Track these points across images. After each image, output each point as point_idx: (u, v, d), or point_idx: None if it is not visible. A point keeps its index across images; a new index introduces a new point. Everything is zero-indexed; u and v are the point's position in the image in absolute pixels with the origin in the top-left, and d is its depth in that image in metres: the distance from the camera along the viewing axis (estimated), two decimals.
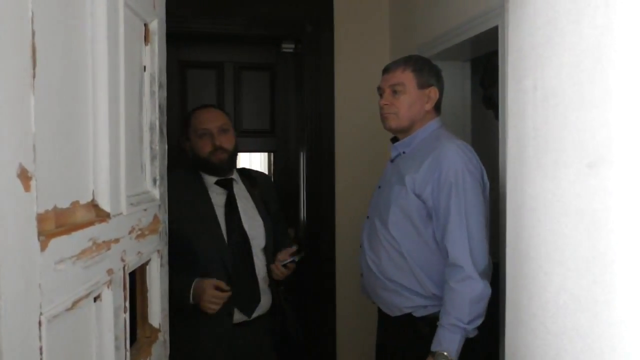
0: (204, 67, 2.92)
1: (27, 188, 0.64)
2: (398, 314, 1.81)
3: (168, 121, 3.09)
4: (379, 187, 1.94)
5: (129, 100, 1.04)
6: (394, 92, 1.82)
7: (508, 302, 1.11)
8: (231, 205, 2.03)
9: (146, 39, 1.20)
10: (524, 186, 1.02)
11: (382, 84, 1.87)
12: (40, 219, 0.69)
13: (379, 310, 1.94)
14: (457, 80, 2.55)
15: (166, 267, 1.35)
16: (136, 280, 1.22)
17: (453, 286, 1.64)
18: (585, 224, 0.81)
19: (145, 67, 1.20)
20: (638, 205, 0.70)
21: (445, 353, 1.62)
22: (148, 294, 1.25)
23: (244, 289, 1.97)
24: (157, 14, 1.24)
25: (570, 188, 0.85)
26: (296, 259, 2.04)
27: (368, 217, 1.95)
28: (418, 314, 1.77)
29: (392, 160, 1.93)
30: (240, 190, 2.10)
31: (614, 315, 0.74)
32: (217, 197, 2.02)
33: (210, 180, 2.04)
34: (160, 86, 1.26)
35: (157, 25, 1.24)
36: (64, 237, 0.74)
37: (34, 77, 0.66)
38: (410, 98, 1.81)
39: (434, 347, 1.65)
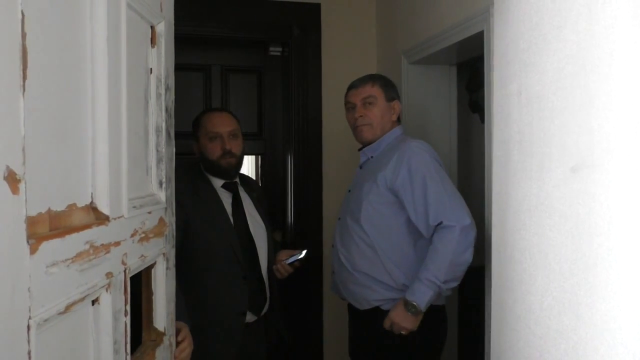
0: (191, 70, 2.91)
1: (15, 191, 0.63)
2: (367, 307, 1.93)
3: None
4: (349, 191, 2.09)
5: (133, 102, 1.03)
6: (367, 104, 1.98)
7: (493, 304, 1.12)
8: (237, 207, 2.08)
9: (152, 41, 1.19)
10: (509, 189, 1.03)
11: (352, 99, 2.02)
12: (32, 222, 0.68)
13: (349, 306, 2.06)
14: (443, 84, 2.57)
15: (173, 270, 1.34)
16: (142, 284, 1.21)
17: (439, 246, 1.77)
18: (568, 227, 0.82)
19: (151, 69, 1.18)
20: (621, 209, 0.71)
21: (415, 304, 1.76)
22: (153, 297, 1.24)
23: (254, 287, 2.02)
24: (164, 16, 1.23)
25: (554, 192, 0.86)
26: (302, 257, 2.07)
27: (340, 218, 2.10)
28: (385, 307, 1.88)
29: (360, 167, 2.09)
30: (242, 193, 2.16)
31: (597, 317, 0.75)
32: (224, 200, 2.07)
33: (216, 182, 2.08)
34: (167, 89, 1.25)
35: (164, 28, 1.22)
36: (56, 240, 0.73)
37: (24, 78, 0.65)
38: (380, 110, 1.99)
39: (407, 296, 1.79)
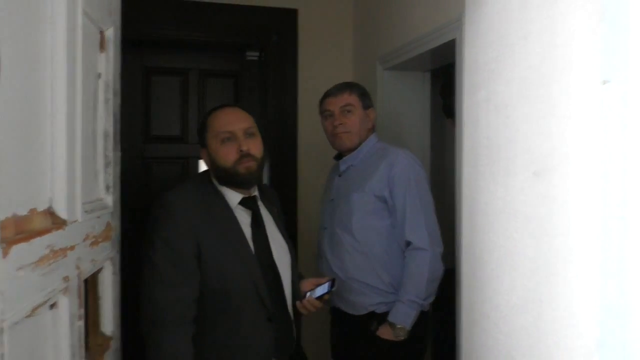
0: (168, 74, 2.90)
1: None
2: (363, 312, 1.95)
3: (131, 127, 3.02)
4: (332, 200, 2.09)
5: (85, 107, 1.03)
6: (346, 112, 2.01)
7: (463, 304, 1.15)
8: (258, 230, 1.66)
9: (101, 46, 1.19)
10: (478, 193, 1.06)
11: (329, 107, 2.05)
12: (2, 226, 0.68)
13: (336, 312, 2.08)
14: (418, 90, 2.62)
15: (118, 276, 1.33)
16: (88, 289, 1.20)
17: (414, 268, 1.85)
18: (531, 228, 0.86)
19: (100, 74, 1.19)
20: (579, 210, 0.75)
21: (402, 326, 1.83)
22: (100, 302, 1.24)
23: (281, 329, 1.64)
24: (113, 21, 1.24)
25: (519, 195, 0.90)
26: (333, 289, 1.69)
27: (326, 228, 2.08)
28: (380, 310, 1.93)
29: (339, 175, 2.10)
30: (263, 210, 1.73)
31: (557, 313, 0.79)
32: (242, 221, 1.64)
33: (233, 198, 1.64)
34: (114, 94, 1.25)
35: (112, 33, 1.23)
36: (23, 244, 0.73)
37: None
38: (359, 117, 2.02)
39: (392, 319, 1.85)
